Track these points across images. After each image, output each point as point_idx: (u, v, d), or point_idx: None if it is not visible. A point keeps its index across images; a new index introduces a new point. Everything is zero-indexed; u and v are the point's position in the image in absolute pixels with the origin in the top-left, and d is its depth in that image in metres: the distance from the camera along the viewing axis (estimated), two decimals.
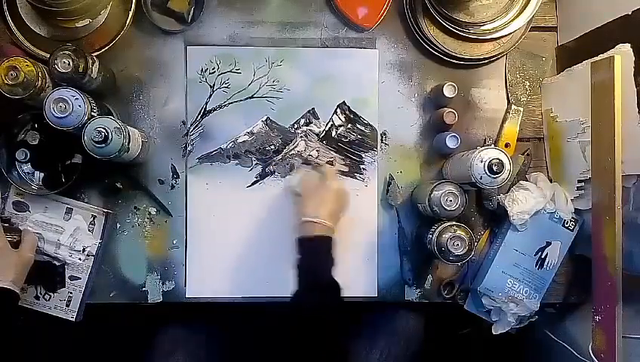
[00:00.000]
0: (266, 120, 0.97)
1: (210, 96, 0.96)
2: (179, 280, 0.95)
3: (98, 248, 0.93)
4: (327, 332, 0.74)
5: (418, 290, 0.97)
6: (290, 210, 0.95)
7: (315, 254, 0.81)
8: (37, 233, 0.91)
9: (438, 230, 0.86)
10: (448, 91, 0.91)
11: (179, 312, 0.97)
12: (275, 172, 0.97)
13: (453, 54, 0.96)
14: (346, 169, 0.97)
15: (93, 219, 0.93)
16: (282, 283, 0.95)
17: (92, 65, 0.84)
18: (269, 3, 0.98)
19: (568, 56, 0.96)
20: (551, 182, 0.96)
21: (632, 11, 0.78)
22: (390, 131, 0.98)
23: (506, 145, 0.97)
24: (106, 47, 0.92)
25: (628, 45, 0.78)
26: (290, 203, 0.95)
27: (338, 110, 0.97)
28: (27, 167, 0.91)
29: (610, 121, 0.79)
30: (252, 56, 0.96)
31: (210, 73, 0.96)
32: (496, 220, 0.97)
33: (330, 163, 0.96)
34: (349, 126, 0.97)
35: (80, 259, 0.93)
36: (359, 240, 0.96)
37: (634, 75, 0.77)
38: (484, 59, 0.97)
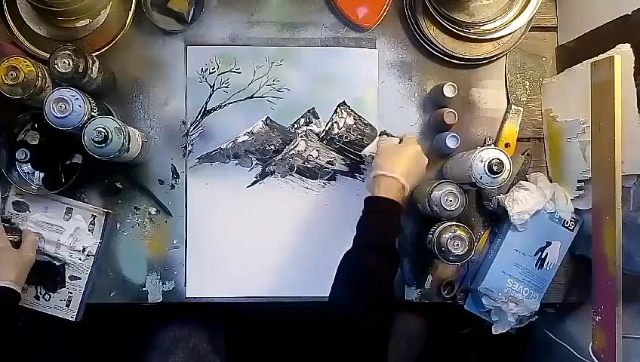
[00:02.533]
0: (266, 120, 0.97)
1: (210, 96, 0.96)
2: (179, 280, 0.95)
3: (98, 248, 0.93)
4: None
5: (418, 290, 0.97)
6: (289, 211, 0.95)
7: (382, 214, 0.77)
8: (37, 233, 0.91)
9: (438, 230, 0.86)
10: (448, 91, 0.91)
11: (179, 312, 0.97)
12: (275, 172, 0.97)
13: (453, 54, 0.96)
14: (346, 169, 0.97)
15: (93, 219, 0.93)
16: (282, 284, 0.95)
17: (92, 66, 0.84)
18: (269, 3, 0.98)
19: (568, 56, 0.96)
20: (551, 182, 0.95)
21: (632, 11, 0.78)
22: (390, 131, 0.98)
23: (506, 145, 0.97)
24: (106, 47, 0.92)
25: (628, 45, 0.78)
26: (287, 203, 0.95)
27: (338, 110, 0.97)
28: (27, 167, 0.92)
29: (610, 121, 0.79)
30: (252, 55, 0.96)
31: (210, 73, 0.96)
32: (496, 220, 0.97)
33: (331, 162, 0.97)
34: (349, 126, 0.97)
35: (80, 259, 0.93)
36: None
37: (634, 75, 0.77)
38: (484, 59, 0.97)
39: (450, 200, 0.85)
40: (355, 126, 0.97)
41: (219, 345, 0.97)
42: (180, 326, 0.96)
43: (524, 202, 0.90)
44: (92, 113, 0.81)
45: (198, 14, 0.95)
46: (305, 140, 0.97)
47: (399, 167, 0.80)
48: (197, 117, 0.96)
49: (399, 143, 0.87)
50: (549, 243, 0.93)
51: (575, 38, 0.94)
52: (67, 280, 0.93)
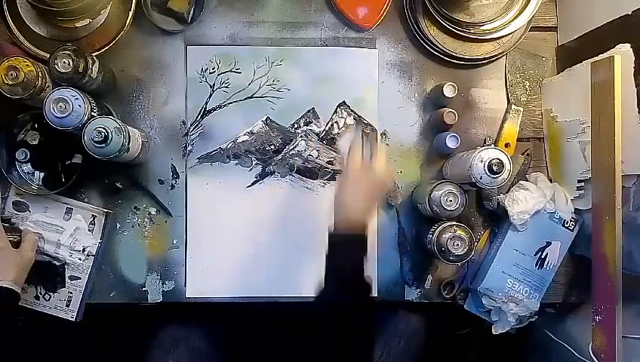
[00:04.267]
0: (266, 120, 0.97)
1: (210, 95, 0.96)
2: (179, 280, 0.95)
3: (98, 248, 0.93)
4: (328, 333, 0.74)
5: (418, 290, 0.97)
6: (289, 211, 0.95)
7: (347, 252, 0.78)
8: (37, 233, 0.91)
9: (438, 230, 0.86)
10: (448, 91, 0.91)
11: (179, 312, 0.97)
12: (275, 172, 0.97)
13: (453, 54, 0.96)
14: None
15: (93, 219, 0.93)
16: (282, 283, 0.95)
17: (92, 66, 0.84)
18: (269, 3, 0.98)
19: (568, 56, 0.96)
20: (551, 182, 0.95)
21: (632, 11, 0.78)
22: (390, 131, 0.98)
23: (506, 145, 0.97)
24: (106, 47, 0.92)
25: (628, 45, 0.78)
26: (287, 203, 0.95)
27: (338, 110, 0.97)
28: (27, 167, 0.92)
29: (610, 121, 0.79)
30: (252, 55, 0.96)
31: (210, 73, 0.96)
32: (496, 220, 0.97)
33: (331, 162, 0.96)
34: (350, 126, 0.97)
35: (80, 259, 0.93)
36: None
37: (634, 75, 0.77)
38: (484, 59, 0.97)
39: (450, 200, 0.85)
40: (355, 126, 0.96)
41: (219, 345, 0.97)
42: (180, 326, 0.96)
43: (524, 202, 0.90)
44: (92, 113, 0.81)
45: (198, 14, 0.95)
46: (305, 140, 0.97)
47: (359, 195, 0.79)
48: (197, 117, 0.96)
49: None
50: (549, 243, 0.93)
51: (575, 38, 0.94)
52: (67, 280, 0.93)
